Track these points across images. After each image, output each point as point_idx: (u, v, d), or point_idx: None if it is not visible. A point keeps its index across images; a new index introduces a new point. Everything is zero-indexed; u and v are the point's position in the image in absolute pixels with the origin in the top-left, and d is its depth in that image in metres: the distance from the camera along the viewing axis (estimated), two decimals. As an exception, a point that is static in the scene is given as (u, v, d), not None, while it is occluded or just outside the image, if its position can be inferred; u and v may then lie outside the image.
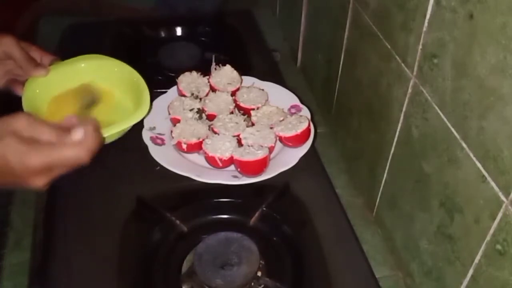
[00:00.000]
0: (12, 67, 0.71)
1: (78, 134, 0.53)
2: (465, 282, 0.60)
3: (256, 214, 0.76)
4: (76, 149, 0.53)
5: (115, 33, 1.13)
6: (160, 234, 0.74)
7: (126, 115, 0.72)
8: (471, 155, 0.56)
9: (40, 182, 0.53)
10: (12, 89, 0.72)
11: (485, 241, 0.56)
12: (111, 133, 0.65)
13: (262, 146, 0.79)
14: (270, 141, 0.81)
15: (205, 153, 0.80)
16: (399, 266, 0.77)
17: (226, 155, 0.79)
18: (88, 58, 0.78)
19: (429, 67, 0.63)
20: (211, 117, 0.87)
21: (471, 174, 0.57)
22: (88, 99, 0.73)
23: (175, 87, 0.93)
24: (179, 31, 1.18)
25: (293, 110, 0.91)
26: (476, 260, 0.58)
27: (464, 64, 0.56)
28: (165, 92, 0.93)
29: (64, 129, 0.54)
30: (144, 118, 0.72)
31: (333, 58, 0.95)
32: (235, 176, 0.79)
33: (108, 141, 0.66)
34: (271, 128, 0.84)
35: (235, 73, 0.94)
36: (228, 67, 0.94)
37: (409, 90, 0.68)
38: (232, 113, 0.88)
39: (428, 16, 0.62)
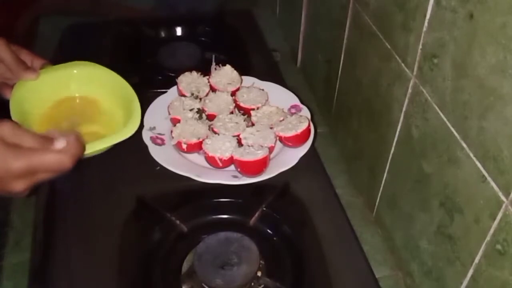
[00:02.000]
0: (1, 71, 0.70)
1: (60, 143, 0.54)
2: (465, 282, 0.60)
3: (256, 214, 0.76)
4: (59, 154, 0.53)
5: (115, 33, 1.13)
6: (160, 234, 0.74)
7: (115, 126, 0.71)
8: (471, 155, 0.56)
9: (21, 186, 0.52)
10: (1, 93, 0.72)
11: (485, 241, 0.56)
12: (96, 149, 0.65)
13: (262, 146, 0.79)
14: (270, 141, 0.81)
15: (205, 153, 0.80)
16: (399, 266, 0.77)
17: (226, 155, 0.79)
18: (80, 64, 0.77)
19: (429, 67, 0.63)
20: (211, 117, 0.87)
21: (471, 174, 0.57)
22: (73, 121, 0.73)
23: (175, 87, 0.93)
24: (179, 31, 1.18)
25: (293, 110, 0.91)
26: (476, 260, 0.58)
27: (464, 64, 0.56)
28: (165, 92, 0.93)
29: (47, 138, 0.54)
30: (131, 135, 0.70)
31: (333, 58, 0.95)
32: (235, 176, 0.79)
33: (96, 153, 0.66)
34: (271, 128, 0.84)
35: (235, 73, 0.94)
36: (228, 67, 0.94)
37: (409, 90, 0.68)
38: (232, 113, 0.88)
39: (428, 16, 0.62)
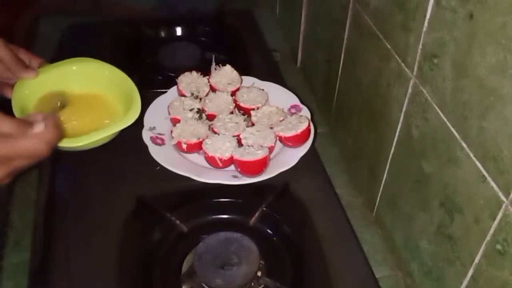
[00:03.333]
0: (0, 70, 0.70)
1: (38, 127, 0.54)
2: (465, 282, 0.60)
3: (256, 214, 0.76)
4: (34, 140, 0.53)
5: (115, 33, 1.13)
6: (160, 234, 0.74)
7: (116, 118, 0.72)
8: (471, 155, 0.56)
9: None
10: (1, 92, 0.72)
11: (485, 241, 0.56)
12: (97, 138, 0.65)
13: (262, 146, 0.79)
14: (270, 141, 0.81)
15: (205, 153, 0.80)
16: (399, 266, 0.77)
17: (226, 155, 0.79)
18: (79, 61, 0.77)
19: (429, 67, 0.63)
20: (211, 117, 0.87)
21: (471, 174, 0.57)
22: (55, 103, 0.73)
23: (175, 87, 0.93)
24: (179, 31, 1.18)
25: (293, 110, 0.91)
26: (476, 260, 0.58)
27: (464, 64, 0.56)
28: (165, 92, 0.93)
29: (27, 123, 0.54)
30: (133, 124, 0.71)
31: (333, 58, 0.95)
32: (235, 176, 0.79)
33: (100, 144, 0.66)
34: (271, 128, 0.84)
35: (235, 73, 0.94)
36: (228, 67, 0.94)
37: (409, 90, 0.68)
38: (232, 113, 0.88)
39: (428, 16, 0.62)
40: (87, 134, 0.65)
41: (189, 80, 0.93)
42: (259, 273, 0.69)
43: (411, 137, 0.69)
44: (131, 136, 0.77)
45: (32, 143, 0.53)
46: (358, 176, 0.89)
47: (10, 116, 0.54)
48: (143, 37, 1.15)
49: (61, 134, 0.57)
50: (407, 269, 0.75)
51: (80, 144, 0.64)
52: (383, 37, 0.74)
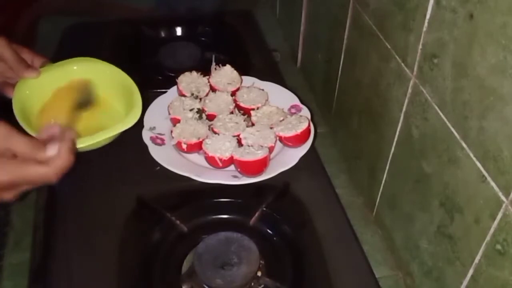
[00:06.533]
0: (2, 69, 0.70)
1: (51, 151, 0.53)
2: (465, 282, 0.61)
3: (256, 214, 0.76)
4: (44, 168, 0.53)
5: (115, 33, 1.13)
6: (160, 234, 0.74)
7: (117, 119, 0.72)
8: (471, 155, 0.56)
9: (7, 196, 0.53)
10: (3, 91, 0.72)
11: (485, 241, 0.56)
12: (98, 140, 0.65)
13: (262, 146, 0.79)
14: (270, 141, 0.81)
15: (205, 153, 0.80)
16: (399, 266, 0.77)
17: (226, 155, 0.79)
18: (80, 60, 0.77)
19: (429, 67, 0.63)
20: (211, 117, 0.87)
21: (471, 174, 0.57)
22: (83, 98, 0.72)
23: (175, 87, 0.93)
24: (179, 31, 1.18)
25: (293, 110, 0.91)
26: (476, 260, 0.58)
27: (464, 64, 0.56)
28: (165, 92, 0.93)
29: (40, 143, 0.54)
30: (133, 125, 0.71)
31: (333, 58, 0.95)
32: (235, 176, 0.79)
33: (99, 145, 0.66)
34: (271, 128, 0.84)
35: (235, 73, 0.94)
36: (228, 67, 0.94)
37: (409, 90, 0.68)
38: (232, 113, 0.88)
39: (428, 16, 0.62)
40: (88, 136, 0.65)
41: (189, 80, 0.93)
42: (259, 273, 0.69)
43: (411, 137, 0.69)
44: (131, 136, 0.77)
45: (42, 171, 0.53)
46: (358, 176, 0.89)
47: (24, 135, 0.54)
48: (143, 37, 1.15)
49: (73, 159, 0.56)
50: (407, 269, 0.75)
51: (81, 145, 0.64)
52: (383, 37, 0.74)
